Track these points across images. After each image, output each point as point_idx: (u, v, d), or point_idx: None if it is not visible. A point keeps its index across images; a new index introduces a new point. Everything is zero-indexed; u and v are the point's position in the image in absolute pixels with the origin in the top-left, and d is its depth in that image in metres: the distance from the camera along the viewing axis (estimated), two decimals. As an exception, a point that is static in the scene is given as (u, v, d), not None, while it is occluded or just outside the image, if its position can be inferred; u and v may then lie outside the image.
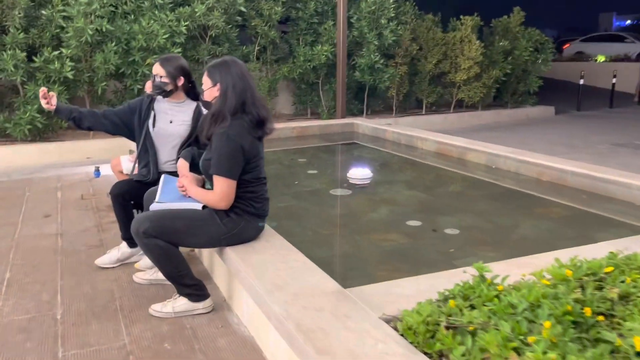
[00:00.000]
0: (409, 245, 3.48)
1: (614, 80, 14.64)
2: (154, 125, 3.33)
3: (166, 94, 3.30)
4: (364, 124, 7.51)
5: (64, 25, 7.01)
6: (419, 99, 11.48)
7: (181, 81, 3.32)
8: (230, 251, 2.60)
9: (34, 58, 6.89)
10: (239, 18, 9.07)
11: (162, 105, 3.38)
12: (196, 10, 7.98)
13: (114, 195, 3.20)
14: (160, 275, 2.93)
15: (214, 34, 8.62)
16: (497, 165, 5.27)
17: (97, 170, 5.66)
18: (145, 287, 3.02)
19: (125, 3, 7.62)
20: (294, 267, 2.38)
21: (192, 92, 3.44)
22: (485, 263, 2.52)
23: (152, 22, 7.37)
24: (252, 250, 2.60)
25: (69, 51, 6.88)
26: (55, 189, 5.18)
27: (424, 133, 6.49)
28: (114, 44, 7.15)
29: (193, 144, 3.35)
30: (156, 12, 7.65)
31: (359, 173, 4.97)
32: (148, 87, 4.02)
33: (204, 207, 2.61)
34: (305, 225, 3.91)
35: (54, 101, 3.15)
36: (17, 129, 7.03)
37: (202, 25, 8.38)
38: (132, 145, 3.60)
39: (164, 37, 7.39)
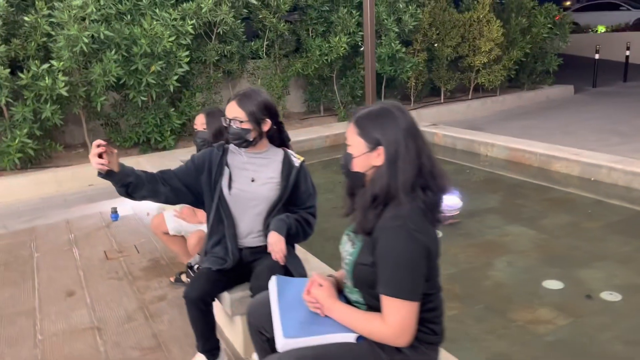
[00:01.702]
0: (575, 331, 2.62)
1: (627, 53, 13.95)
2: (230, 187, 2.39)
3: (248, 144, 2.37)
4: (405, 127, 6.61)
5: (53, 33, 5.92)
6: (436, 87, 10.61)
7: (267, 125, 2.39)
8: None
9: (20, 74, 5.81)
10: (245, 11, 8.02)
11: (238, 159, 2.45)
12: (202, 5, 6.93)
13: (192, 301, 2.26)
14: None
15: (221, 32, 7.58)
16: (596, 178, 4.44)
17: (115, 213, 4.68)
18: None
19: (120, 2, 6.52)
20: None
21: (278, 137, 2.52)
22: None
23: (154, 22, 6.31)
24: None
25: (61, 64, 5.81)
26: (69, 244, 4.20)
27: (487, 137, 5.64)
28: (113, 51, 6.08)
29: (282, 209, 2.44)
30: (157, 10, 6.58)
31: (446, 201, 4.09)
32: (199, 123, 3.07)
33: (359, 337, 1.71)
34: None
35: (116, 160, 2.15)
36: (4, 158, 5.98)
37: (207, 22, 7.33)
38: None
39: (170, 39, 6.34)
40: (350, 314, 1.72)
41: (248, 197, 2.40)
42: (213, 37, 7.67)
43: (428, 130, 6.26)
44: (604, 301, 2.85)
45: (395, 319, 1.59)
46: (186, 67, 6.73)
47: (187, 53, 6.66)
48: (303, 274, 2.40)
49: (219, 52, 7.68)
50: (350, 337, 1.70)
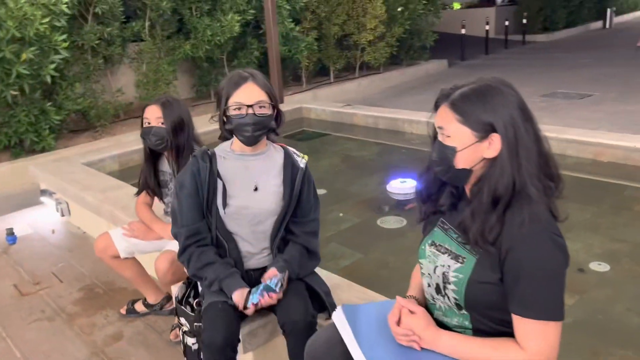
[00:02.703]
0: (587, 308, 2.53)
1: (487, 27, 14.99)
2: (224, 204, 1.92)
3: (268, 133, 1.95)
4: (319, 108, 6.34)
5: None
6: (325, 66, 10.47)
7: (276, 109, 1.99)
8: None
9: None
10: (123, -13, 7.10)
11: (231, 165, 1.97)
12: (76, -20, 5.96)
13: (219, 348, 1.74)
14: None
15: (99, 11, 6.62)
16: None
17: (11, 234, 3.82)
18: None
19: (-28, -24, 5.35)
20: None
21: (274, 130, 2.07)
22: None
23: (21, 1, 5.27)
24: None
25: None
26: (-40, 281, 3.32)
27: (411, 114, 5.55)
28: (-28, 37, 4.98)
29: (286, 227, 2.01)
30: (22, -13, 5.50)
31: (402, 185, 3.90)
32: (153, 117, 2.49)
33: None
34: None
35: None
36: None
37: (82, 0, 6.35)
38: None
39: (43, 21, 5.35)
40: (467, 344, 1.39)
41: (250, 213, 1.93)
42: (89, 18, 6.69)
43: (345, 111, 6.03)
44: (596, 273, 2.84)
45: (542, 346, 1.29)
46: (65, 54, 5.77)
47: (64, 37, 5.70)
48: (327, 292, 2.03)
49: (98, 36, 6.72)
50: (466, 372, 1.39)
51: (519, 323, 1.31)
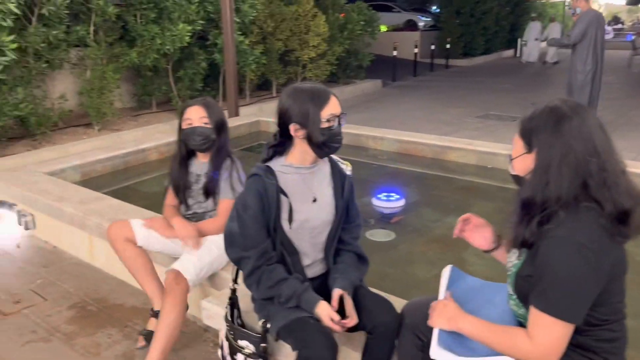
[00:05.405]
0: None
1: (415, 50, 15.69)
2: (291, 220, 1.92)
3: None
4: (279, 123, 6.34)
5: None
6: (267, 81, 10.49)
7: None
8: None
9: None
10: (68, -11, 6.73)
11: (290, 179, 1.96)
12: (25, -21, 5.59)
13: None
14: None
15: (46, 13, 6.23)
16: (493, 166, 4.82)
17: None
18: None
19: None
20: None
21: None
22: None
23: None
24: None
25: None
26: None
27: (375, 130, 5.69)
28: None
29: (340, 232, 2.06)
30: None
31: (388, 199, 4.00)
32: (196, 117, 2.57)
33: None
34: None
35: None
36: None
37: (27, 0, 5.97)
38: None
39: (-9, 19, 4.98)
40: (484, 327, 1.53)
41: (311, 225, 1.97)
42: (34, 20, 6.28)
43: (306, 126, 6.08)
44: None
45: (545, 338, 1.41)
46: (12, 55, 5.38)
47: (13, 37, 5.32)
48: None
49: (43, 38, 6.32)
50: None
51: (533, 313, 1.44)
